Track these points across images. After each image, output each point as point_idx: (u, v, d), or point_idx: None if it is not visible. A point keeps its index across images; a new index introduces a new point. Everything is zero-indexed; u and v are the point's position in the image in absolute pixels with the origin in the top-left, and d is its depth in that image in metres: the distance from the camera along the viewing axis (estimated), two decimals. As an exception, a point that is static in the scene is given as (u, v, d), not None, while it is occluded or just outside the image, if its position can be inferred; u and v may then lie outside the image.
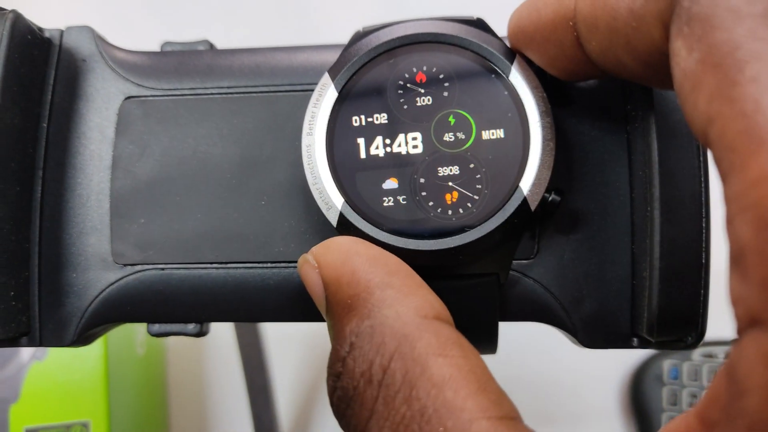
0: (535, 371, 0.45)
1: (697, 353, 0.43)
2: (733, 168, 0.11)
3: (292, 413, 0.45)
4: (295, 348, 0.45)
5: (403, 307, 0.16)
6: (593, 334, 0.20)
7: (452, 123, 0.19)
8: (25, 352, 0.36)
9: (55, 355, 0.36)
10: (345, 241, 0.18)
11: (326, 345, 0.50)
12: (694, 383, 0.43)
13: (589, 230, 0.20)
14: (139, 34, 0.53)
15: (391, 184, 0.19)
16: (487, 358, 0.21)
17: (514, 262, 0.20)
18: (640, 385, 0.43)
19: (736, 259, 0.11)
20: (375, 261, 0.17)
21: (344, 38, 0.23)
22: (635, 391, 0.44)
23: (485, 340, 0.20)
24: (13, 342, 0.21)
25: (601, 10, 0.15)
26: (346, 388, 0.15)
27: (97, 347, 0.36)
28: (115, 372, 0.37)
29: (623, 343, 0.20)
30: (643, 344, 0.20)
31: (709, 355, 0.43)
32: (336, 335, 0.17)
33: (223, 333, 0.43)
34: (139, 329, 0.41)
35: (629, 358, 0.45)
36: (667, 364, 0.43)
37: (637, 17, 0.14)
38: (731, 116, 0.11)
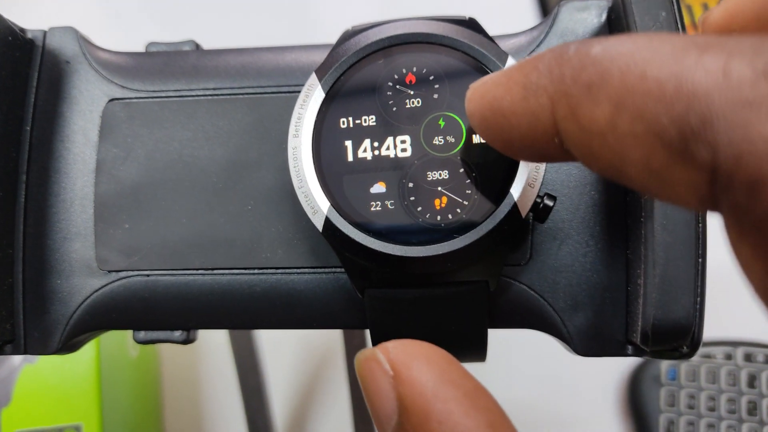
0: (532, 372, 0.45)
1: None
2: None
3: (286, 416, 0.44)
4: (289, 350, 0.45)
5: None
6: (588, 342, 0.20)
7: (442, 126, 0.18)
8: (16, 356, 0.35)
9: (47, 358, 0.35)
10: (440, 359, 0.14)
11: (320, 348, 0.49)
12: (692, 384, 0.42)
13: (583, 235, 0.20)
14: (125, 34, 0.52)
15: (378, 188, 0.18)
16: (484, 362, 0.20)
17: (506, 267, 0.20)
18: (637, 386, 0.43)
19: None
20: (475, 405, 0.13)
21: (334, 38, 0.22)
22: (633, 392, 0.43)
23: (474, 348, 0.20)
24: (-3, 350, 0.21)
25: (600, 147, 0.11)
26: None
27: (89, 350, 0.35)
28: (107, 375, 0.36)
29: (617, 351, 0.19)
30: (638, 353, 0.19)
31: (707, 356, 0.42)
32: None
33: (216, 335, 0.42)
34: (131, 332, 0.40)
35: (627, 359, 0.45)
36: (664, 365, 0.43)
37: (658, 177, 0.11)
38: None
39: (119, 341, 0.39)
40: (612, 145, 0.11)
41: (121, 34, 0.51)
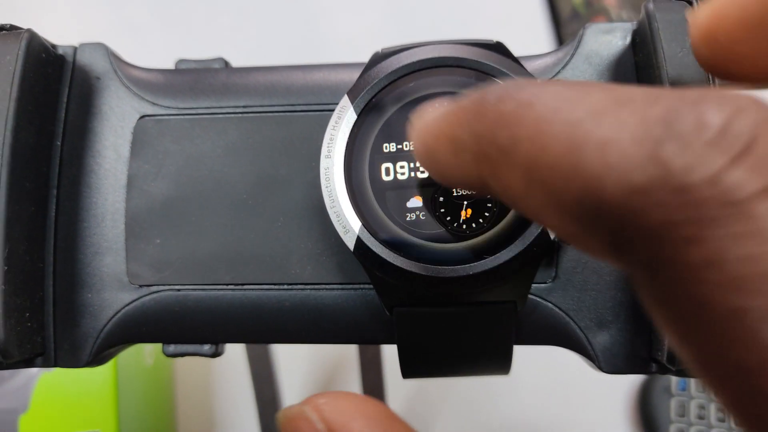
0: (543, 382, 0.45)
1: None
2: None
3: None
4: (303, 360, 0.45)
5: None
6: (613, 359, 0.20)
7: None
8: (35, 363, 0.36)
9: (64, 365, 0.36)
10: (380, 416, 0.13)
11: (334, 358, 0.49)
12: (701, 395, 0.43)
13: None
14: (153, 49, 0.52)
15: (410, 207, 0.19)
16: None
17: (533, 285, 0.20)
18: (648, 396, 0.43)
19: None
20: None
21: (355, 55, 0.23)
22: (643, 402, 0.44)
23: (499, 364, 0.20)
24: (28, 363, 0.21)
25: (523, 209, 0.11)
26: None
27: (106, 358, 0.36)
28: (124, 382, 0.36)
29: (642, 369, 0.20)
30: (662, 370, 0.19)
31: (718, 367, 0.43)
32: None
33: (232, 345, 0.43)
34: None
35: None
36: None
37: (575, 242, 0.11)
38: None
39: (136, 349, 0.39)
40: (533, 210, 0.11)
41: (136, 48, 0.52)
